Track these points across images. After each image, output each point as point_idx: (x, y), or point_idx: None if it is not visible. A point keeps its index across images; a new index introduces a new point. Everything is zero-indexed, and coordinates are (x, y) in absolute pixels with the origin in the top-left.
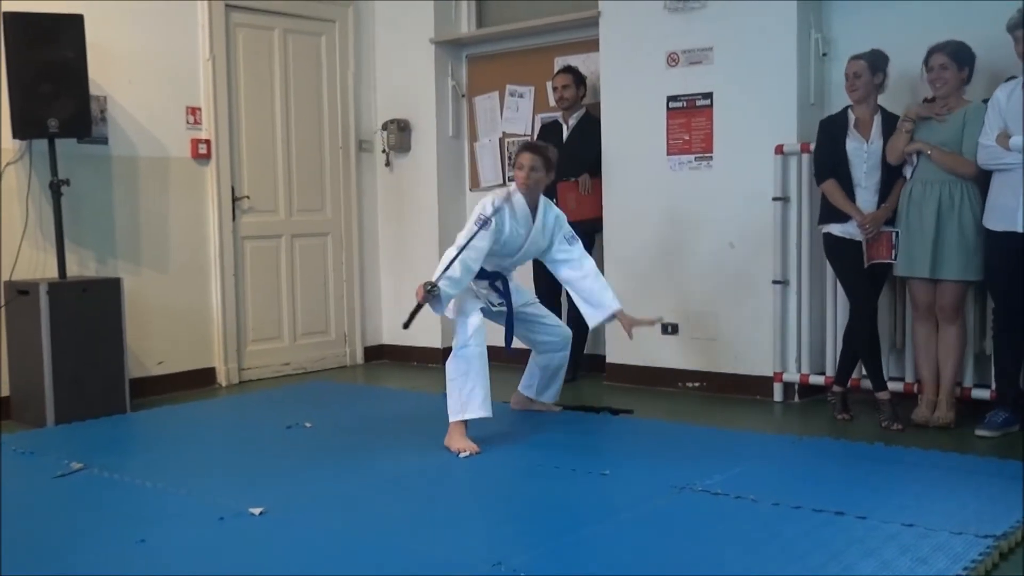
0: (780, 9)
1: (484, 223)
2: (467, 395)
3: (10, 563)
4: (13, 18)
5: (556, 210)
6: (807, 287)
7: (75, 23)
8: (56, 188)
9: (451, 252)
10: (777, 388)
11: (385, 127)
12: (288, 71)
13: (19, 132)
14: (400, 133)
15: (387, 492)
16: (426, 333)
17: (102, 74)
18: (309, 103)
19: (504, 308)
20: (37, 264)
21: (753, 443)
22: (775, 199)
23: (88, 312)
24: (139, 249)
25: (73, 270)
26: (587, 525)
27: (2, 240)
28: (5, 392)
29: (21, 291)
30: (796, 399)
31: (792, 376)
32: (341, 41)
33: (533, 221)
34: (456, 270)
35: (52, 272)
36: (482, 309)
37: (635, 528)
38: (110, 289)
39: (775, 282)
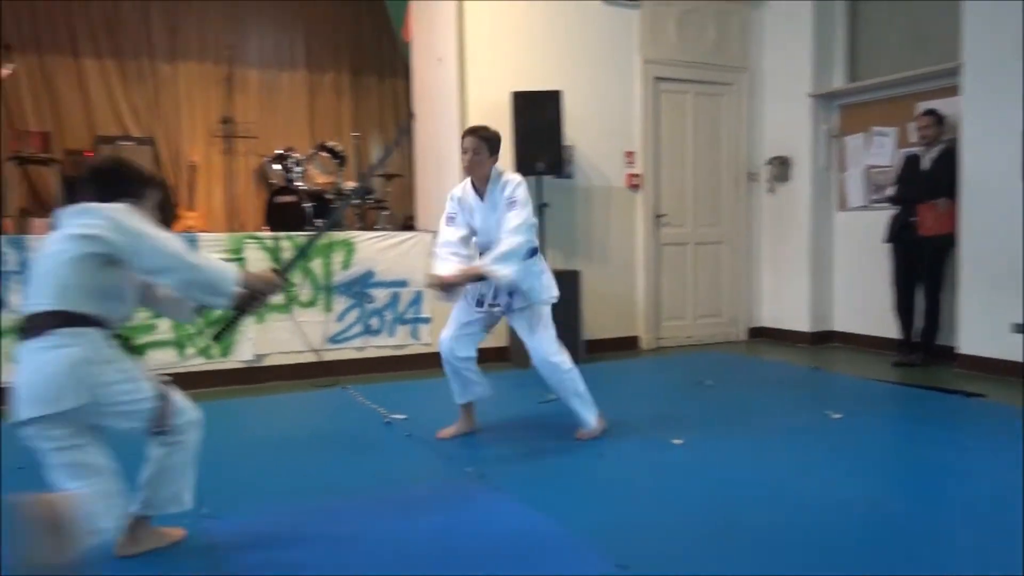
0: None
1: (448, 219)
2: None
3: (506, 455)
4: (518, 95)
5: (507, 183)
6: None
7: (555, 97)
8: (541, 209)
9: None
10: None
11: (769, 162)
12: (697, 122)
13: (518, 171)
14: (781, 166)
15: (769, 438)
16: (797, 318)
17: (571, 130)
18: (711, 145)
19: (499, 306)
20: None
21: None
22: None
23: (559, 292)
24: (591, 250)
25: (548, 264)
26: (944, 482)
27: None
28: (505, 343)
29: None
30: None
31: None
32: (737, 98)
33: (482, 201)
34: (436, 262)
35: None
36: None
37: (995, 491)
38: (572, 277)
39: None
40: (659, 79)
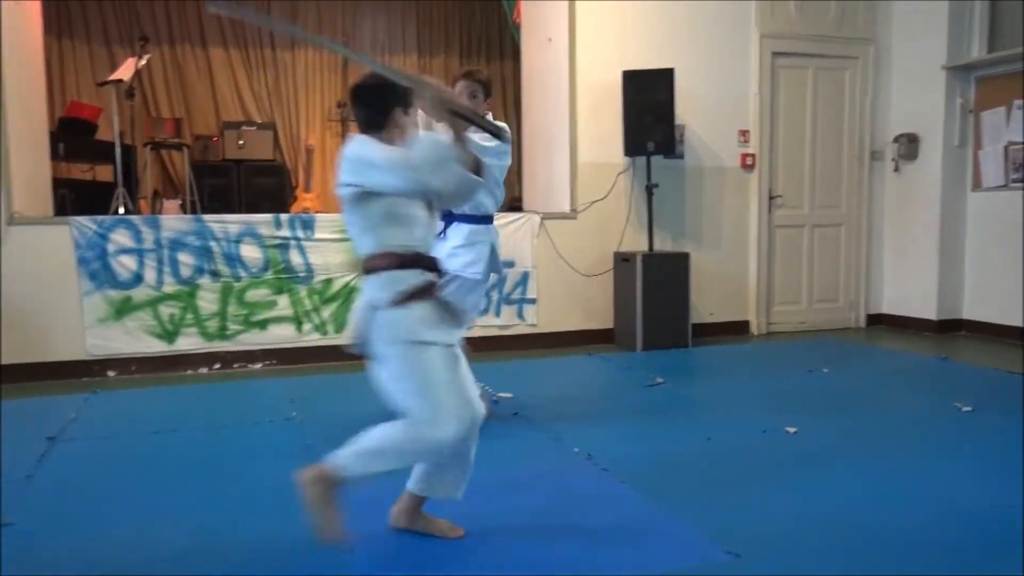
0: None
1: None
2: None
3: (613, 438)
4: (629, 74)
5: None
6: None
7: (668, 75)
8: (649, 190)
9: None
10: None
11: (896, 139)
12: (817, 99)
13: (628, 151)
14: (909, 144)
15: (891, 429)
16: (922, 305)
17: (683, 109)
18: (831, 123)
19: None
20: (635, 241)
21: None
22: None
23: (666, 275)
24: (700, 232)
25: (657, 246)
26: None
27: (612, 224)
28: (611, 325)
29: (624, 259)
30: None
31: None
32: (862, 73)
33: None
34: None
35: (644, 247)
36: None
37: None
38: (681, 260)
39: None
40: (777, 54)
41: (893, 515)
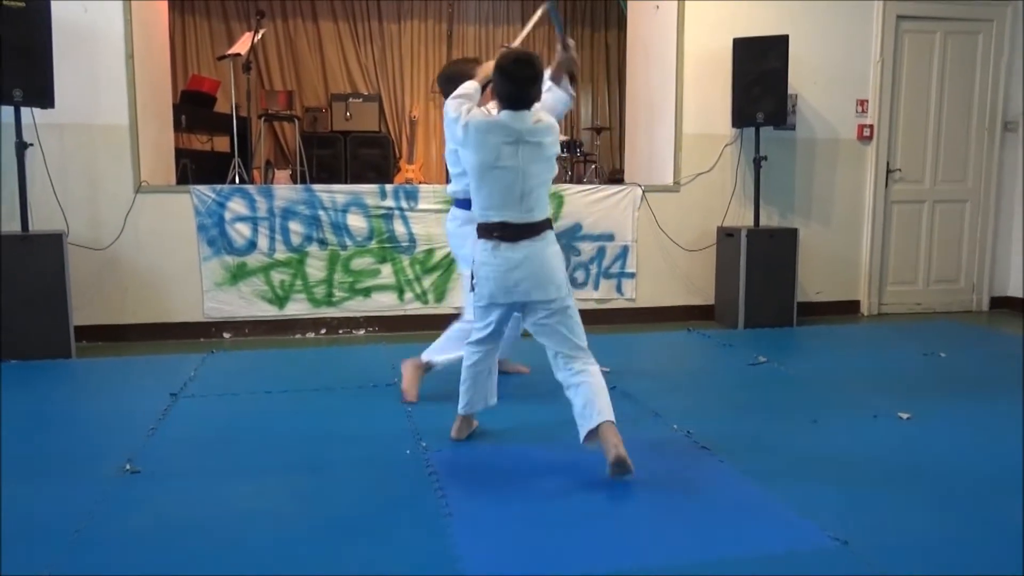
0: None
1: None
2: None
3: (713, 416)
4: (740, 41)
5: None
6: None
7: (782, 42)
8: (757, 162)
9: None
10: None
11: None
12: (945, 66)
13: (735, 122)
14: None
15: (1012, 421)
16: None
17: (795, 78)
18: (960, 91)
19: None
20: (740, 216)
21: None
22: None
23: (772, 251)
24: (809, 207)
25: (763, 220)
26: None
27: (716, 197)
28: (711, 302)
29: (728, 234)
30: None
31: None
32: (997, 37)
33: None
34: None
35: (749, 221)
36: None
37: None
38: (788, 236)
39: None
40: (902, 18)
41: (1011, 508)
